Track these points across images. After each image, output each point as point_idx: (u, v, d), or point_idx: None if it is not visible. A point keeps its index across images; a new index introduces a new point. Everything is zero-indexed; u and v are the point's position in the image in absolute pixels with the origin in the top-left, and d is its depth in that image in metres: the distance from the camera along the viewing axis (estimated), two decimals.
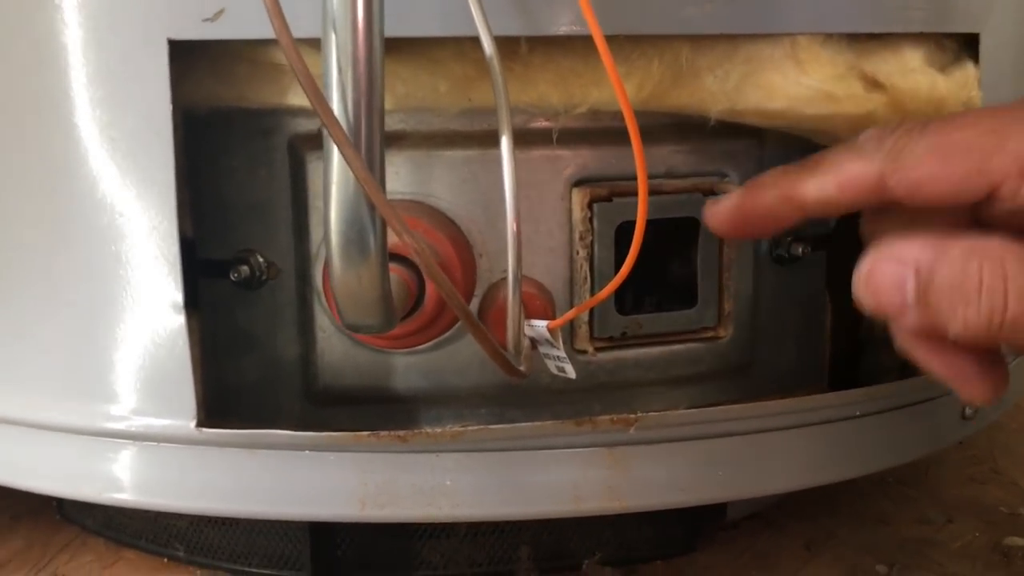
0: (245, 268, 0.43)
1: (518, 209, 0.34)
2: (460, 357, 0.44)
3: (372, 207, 0.32)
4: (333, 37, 0.30)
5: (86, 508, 0.54)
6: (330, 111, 0.29)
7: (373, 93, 0.31)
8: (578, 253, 0.44)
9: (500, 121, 0.34)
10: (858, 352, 0.55)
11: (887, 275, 0.31)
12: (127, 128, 0.38)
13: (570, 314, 0.40)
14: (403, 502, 0.39)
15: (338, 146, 0.29)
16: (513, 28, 0.36)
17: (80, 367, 0.41)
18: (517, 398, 0.45)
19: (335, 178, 0.31)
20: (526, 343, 0.40)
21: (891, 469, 0.61)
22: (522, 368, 0.36)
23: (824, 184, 0.32)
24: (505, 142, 0.33)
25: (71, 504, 0.55)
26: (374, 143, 0.31)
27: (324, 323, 0.44)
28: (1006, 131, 0.30)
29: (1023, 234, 0.30)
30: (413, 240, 0.30)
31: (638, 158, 0.32)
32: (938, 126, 0.31)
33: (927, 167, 0.31)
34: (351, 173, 0.31)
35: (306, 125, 0.42)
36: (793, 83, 0.39)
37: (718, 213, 0.35)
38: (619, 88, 0.31)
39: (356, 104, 0.30)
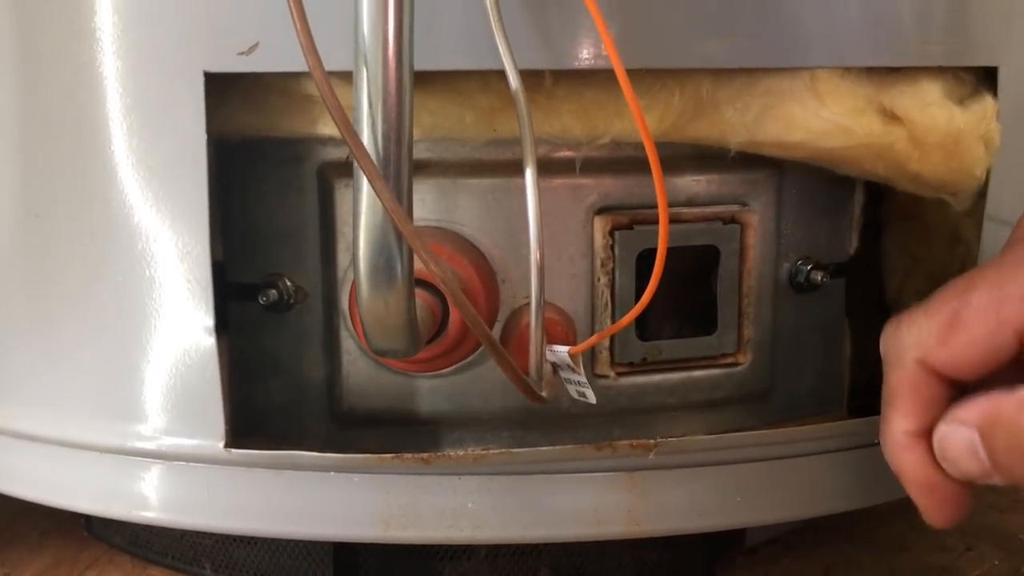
0: (273, 292, 0.44)
1: (542, 238, 0.35)
2: (483, 381, 0.45)
3: (399, 236, 0.33)
4: (364, 71, 0.31)
5: (113, 525, 0.55)
6: (360, 143, 0.30)
7: (402, 126, 0.32)
8: (599, 280, 0.44)
9: (524, 152, 0.34)
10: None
11: (959, 443, 0.32)
12: (163, 157, 0.39)
13: (591, 340, 0.40)
14: (426, 524, 0.40)
15: (367, 177, 0.30)
16: (538, 62, 0.37)
17: (113, 388, 0.42)
18: (539, 422, 0.46)
19: (364, 207, 0.32)
20: (548, 368, 0.41)
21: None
22: (543, 394, 0.37)
23: (908, 414, 0.34)
24: (529, 173, 0.34)
25: (99, 521, 0.56)
26: (402, 174, 0.32)
27: (349, 346, 0.45)
28: (1004, 279, 0.31)
29: None
30: (439, 269, 0.31)
31: (659, 188, 0.33)
32: (944, 299, 0.33)
33: (950, 345, 0.32)
34: (379, 203, 0.32)
35: (335, 153, 0.44)
36: (812, 116, 0.40)
37: (933, 514, 0.35)
38: (640, 121, 0.32)
39: (386, 136, 0.31)
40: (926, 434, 0.34)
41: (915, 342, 0.33)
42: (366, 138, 0.31)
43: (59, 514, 0.59)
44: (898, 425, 0.34)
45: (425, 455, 0.39)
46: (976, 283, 0.32)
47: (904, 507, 0.59)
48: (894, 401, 0.34)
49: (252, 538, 0.50)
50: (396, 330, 0.34)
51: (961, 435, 0.32)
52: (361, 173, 0.31)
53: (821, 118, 0.40)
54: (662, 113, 0.39)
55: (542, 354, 0.36)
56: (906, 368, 0.34)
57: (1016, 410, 0.30)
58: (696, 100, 0.39)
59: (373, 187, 0.30)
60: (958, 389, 0.34)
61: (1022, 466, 0.30)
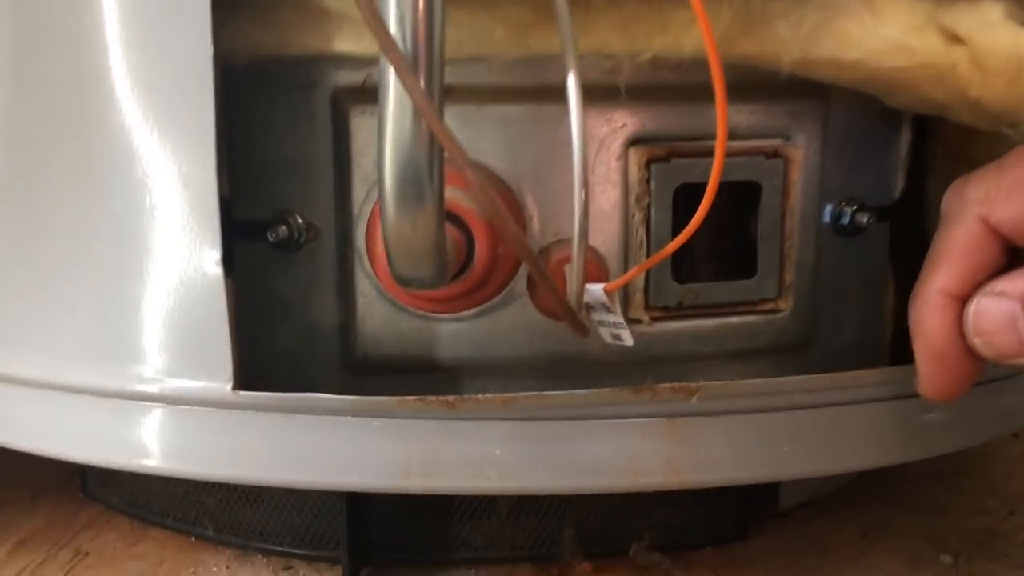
0: (283, 229, 0.41)
1: (586, 160, 0.31)
2: (507, 325, 0.42)
3: (431, 148, 0.29)
4: None
5: (111, 485, 0.52)
6: (389, 34, 0.27)
7: (433, 20, 0.28)
8: (634, 216, 0.41)
9: (567, 62, 0.31)
10: None
11: (996, 315, 0.30)
12: (166, 74, 0.36)
13: (629, 274, 0.37)
14: (449, 472, 0.37)
15: (397, 72, 0.27)
16: None
17: (111, 328, 0.39)
18: (566, 369, 0.43)
19: (391, 112, 0.29)
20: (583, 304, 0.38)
21: (945, 461, 0.59)
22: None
23: (950, 274, 0.32)
24: (572, 82, 0.31)
25: (95, 481, 0.53)
26: (434, 72, 0.29)
27: (365, 288, 0.42)
28: None
29: None
30: (476, 175, 0.28)
31: (720, 110, 0.30)
32: (1019, 155, 0.32)
33: (1020, 200, 0.30)
34: (409, 108, 0.29)
35: (350, 77, 0.40)
36: (870, 33, 0.37)
37: (924, 379, 0.34)
38: (707, 32, 0.28)
39: (415, 30, 0.28)
40: (961, 300, 0.32)
41: (981, 198, 0.32)
42: (395, 29, 0.28)
43: (54, 474, 0.56)
44: (936, 283, 0.33)
45: (450, 398, 0.36)
46: None
47: (942, 472, 0.57)
48: (940, 258, 0.33)
49: (258, 496, 0.47)
50: (423, 255, 0.31)
51: (1002, 306, 0.31)
52: (389, 71, 0.28)
53: (879, 35, 0.37)
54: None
55: (583, 281, 0.33)
56: (965, 224, 0.32)
57: None
58: (746, 13, 0.36)
59: (403, 83, 0.27)
60: (1010, 261, 0.32)
61: None
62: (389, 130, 0.29)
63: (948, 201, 0.34)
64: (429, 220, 0.31)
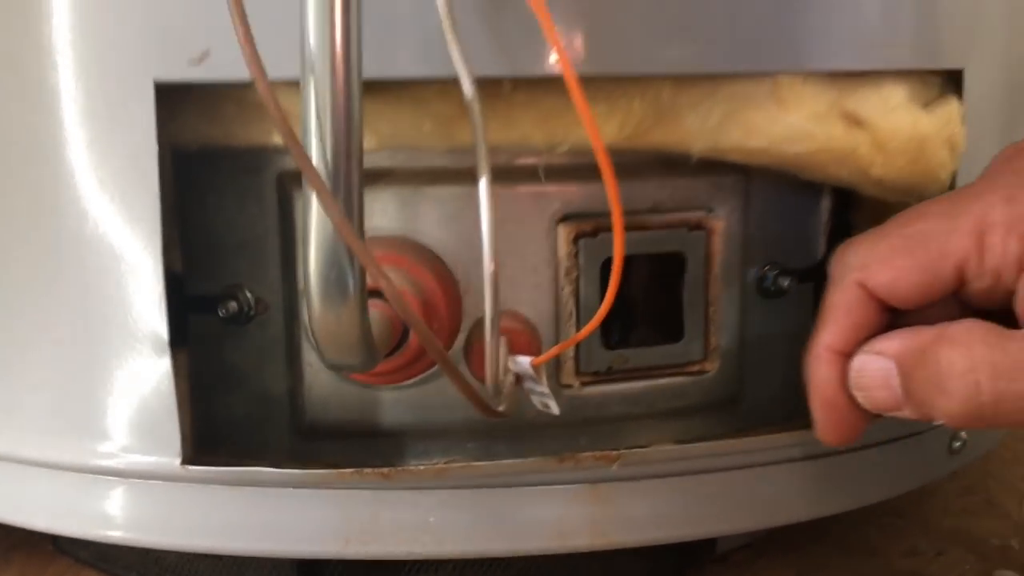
0: (233, 304, 0.44)
1: (495, 250, 0.34)
2: (447, 392, 0.44)
3: (350, 251, 0.32)
4: (311, 81, 0.31)
5: (79, 541, 0.54)
6: (306, 156, 0.30)
7: (351, 137, 0.31)
8: (563, 289, 0.44)
9: (478, 160, 0.34)
10: None
11: (875, 373, 0.33)
12: (114, 169, 0.39)
13: (553, 351, 0.40)
14: (386, 539, 0.39)
15: (315, 191, 0.30)
16: (495, 69, 0.37)
17: (69, 404, 0.41)
18: (504, 433, 0.45)
19: (314, 222, 0.32)
20: (510, 379, 0.41)
21: (883, 501, 0.61)
22: (501, 408, 0.36)
23: (834, 332, 0.35)
24: (483, 184, 0.34)
25: (65, 536, 0.55)
26: (352, 187, 0.31)
27: (312, 358, 0.44)
28: (957, 211, 0.31)
29: (1008, 313, 0.31)
30: (388, 285, 0.30)
31: (612, 197, 0.32)
32: (896, 224, 0.34)
33: (891, 267, 0.33)
34: (330, 222, 0.31)
35: (293, 162, 0.43)
36: (775, 121, 0.39)
37: (818, 426, 0.37)
38: (590, 127, 0.31)
39: (335, 149, 0.31)
40: (845, 355, 0.35)
41: (858, 263, 0.35)
42: (314, 151, 0.30)
43: (25, 529, 0.58)
44: (823, 339, 0.36)
45: (385, 470, 0.38)
46: (928, 212, 0.34)
47: (874, 513, 0.60)
48: (826, 317, 0.36)
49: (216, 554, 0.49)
50: (350, 345, 0.34)
51: (878, 365, 0.33)
52: (310, 187, 0.31)
53: (783, 123, 0.39)
54: (622, 120, 0.38)
55: (499, 367, 0.36)
56: (845, 287, 0.35)
57: (934, 343, 0.31)
58: (657, 107, 0.38)
59: (321, 201, 0.30)
60: (889, 320, 0.35)
61: (933, 400, 0.31)
62: (312, 236, 0.32)
63: (832, 264, 0.37)
64: (353, 314, 0.33)
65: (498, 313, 0.34)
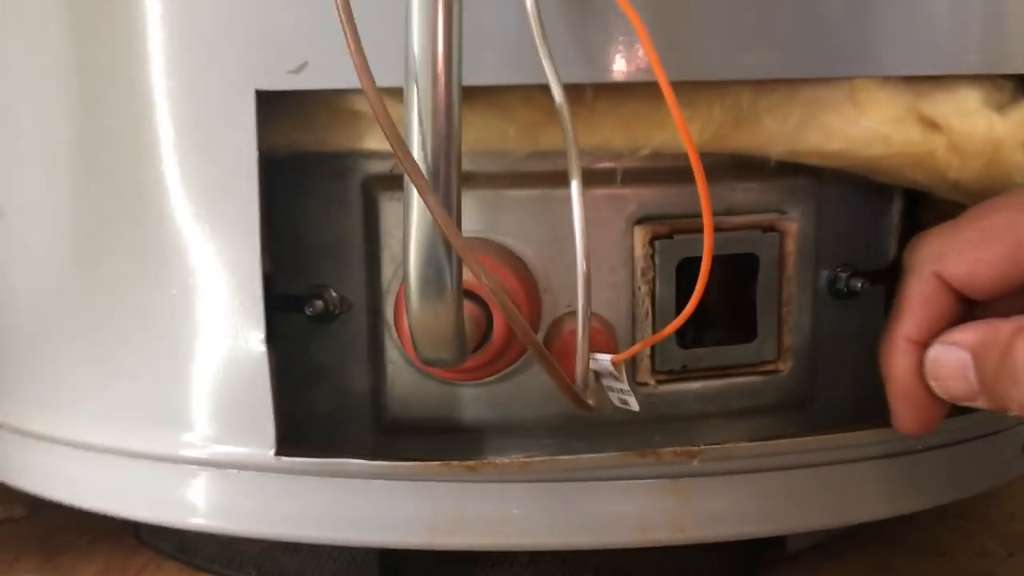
0: (319, 303, 0.45)
1: (587, 248, 0.35)
2: (526, 389, 0.45)
3: (449, 248, 0.33)
4: (415, 89, 0.32)
5: (162, 532, 0.56)
6: (412, 158, 0.31)
7: (451, 141, 0.32)
8: (640, 289, 0.45)
9: (569, 165, 0.35)
10: None
11: (951, 363, 0.34)
12: (216, 174, 0.40)
13: (634, 349, 0.41)
14: (471, 530, 0.41)
15: (418, 191, 0.31)
16: (580, 76, 0.38)
17: (166, 398, 0.43)
18: (581, 430, 0.46)
19: (414, 221, 0.33)
20: (591, 376, 0.42)
21: (952, 504, 0.61)
22: (590, 402, 0.37)
23: (911, 322, 0.36)
24: (575, 185, 0.35)
25: (147, 528, 0.57)
26: (451, 188, 0.32)
27: (394, 355, 0.46)
28: None
29: None
30: (488, 280, 0.31)
31: (703, 200, 0.33)
32: (972, 216, 0.34)
33: (968, 258, 0.33)
34: (429, 217, 0.32)
35: (379, 166, 0.44)
36: (852, 125, 0.40)
37: (895, 415, 0.38)
38: (684, 133, 0.32)
39: (435, 152, 0.32)
40: (922, 345, 0.36)
41: (935, 254, 0.36)
42: (416, 154, 0.32)
43: (109, 522, 0.60)
44: (900, 330, 0.36)
45: (471, 463, 0.40)
46: (1005, 205, 0.35)
47: (942, 515, 0.60)
48: (902, 308, 0.37)
49: (297, 545, 0.51)
50: (445, 340, 0.35)
51: (954, 356, 0.34)
52: (411, 188, 0.32)
53: (860, 127, 0.40)
54: (702, 125, 0.39)
55: (588, 362, 0.37)
56: (922, 278, 0.36)
57: (1011, 335, 0.32)
58: (736, 111, 0.39)
59: (424, 201, 0.31)
60: (965, 311, 0.36)
61: (1007, 391, 0.32)
62: (413, 235, 0.33)
63: (908, 256, 0.38)
64: (450, 310, 0.34)
65: (589, 309, 0.35)
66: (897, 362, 0.37)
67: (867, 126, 0.40)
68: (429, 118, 0.32)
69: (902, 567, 0.53)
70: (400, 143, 0.30)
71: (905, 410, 0.37)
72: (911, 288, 0.37)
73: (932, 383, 0.36)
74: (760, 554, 0.53)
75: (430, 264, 0.33)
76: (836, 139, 0.40)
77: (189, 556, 0.55)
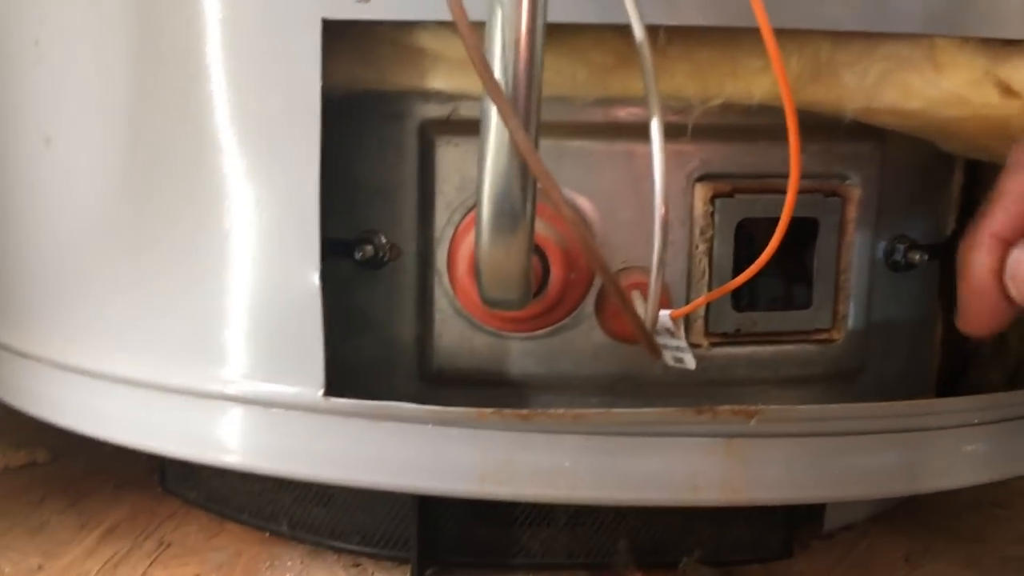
0: (369, 248, 0.45)
1: (666, 194, 0.34)
2: (576, 345, 0.45)
3: (525, 182, 0.32)
4: (499, 13, 0.31)
5: (189, 480, 0.56)
6: (494, 79, 0.30)
7: (534, 65, 0.32)
8: (697, 248, 0.44)
9: (649, 101, 0.34)
10: (965, 367, 0.54)
11: None
12: (278, 105, 0.40)
13: (696, 303, 0.40)
14: (521, 481, 0.40)
15: (500, 113, 0.30)
16: (657, 17, 0.37)
17: (214, 335, 0.42)
18: (627, 389, 0.45)
19: (491, 151, 0.32)
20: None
21: (983, 491, 0.61)
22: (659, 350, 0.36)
23: (1003, 219, 0.35)
24: (655, 123, 0.34)
25: (174, 477, 0.57)
26: (532, 112, 0.32)
27: (443, 305, 0.45)
28: None
29: None
30: (568, 210, 0.30)
31: (793, 152, 0.32)
32: None
33: None
34: (508, 146, 0.32)
35: (438, 111, 0.44)
36: (930, 85, 0.39)
37: (963, 313, 0.37)
38: (782, 79, 0.31)
39: (518, 76, 0.31)
40: (1007, 244, 0.35)
41: None
42: (499, 74, 0.31)
43: (134, 469, 0.60)
44: (988, 225, 0.35)
45: (524, 412, 0.39)
46: None
47: (980, 502, 0.59)
48: (996, 203, 0.36)
49: (330, 497, 0.50)
50: (513, 279, 0.34)
51: None
52: (491, 115, 0.31)
53: (939, 87, 0.39)
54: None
55: (657, 310, 0.36)
56: (1020, 175, 0.35)
57: None
58: (815, 63, 0.38)
59: (507, 126, 0.30)
60: None
61: None
62: (488, 165, 0.32)
63: (1014, 151, 0.36)
64: (521, 247, 0.33)
65: (665, 255, 0.34)
66: (977, 258, 0.36)
67: (945, 87, 0.39)
68: (512, 43, 0.31)
69: (941, 550, 0.52)
70: (483, 61, 0.29)
71: (974, 309, 0.36)
72: (1008, 184, 0.36)
73: (1010, 283, 0.35)
74: (797, 530, 0.52)
75: (505, 196, 0.33)
76: (914, 98, 0.39)
77: (218, 505, 0.54)
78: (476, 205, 0.33)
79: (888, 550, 0.52)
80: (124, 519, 0.53)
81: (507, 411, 0.39)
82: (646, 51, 0.34)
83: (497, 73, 0.31)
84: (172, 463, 0.56)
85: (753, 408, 0.39)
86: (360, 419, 0.41)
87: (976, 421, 0.43)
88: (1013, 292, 0.35)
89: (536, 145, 0.32)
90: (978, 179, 0.49)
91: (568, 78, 0.39)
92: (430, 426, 0.40)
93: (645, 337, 0.35)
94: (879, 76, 0.39)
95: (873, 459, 0.42)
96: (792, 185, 0.33)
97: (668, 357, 0.42)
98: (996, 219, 0.35)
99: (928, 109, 0.39)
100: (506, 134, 0.31)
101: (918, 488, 0.44)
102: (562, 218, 0.31)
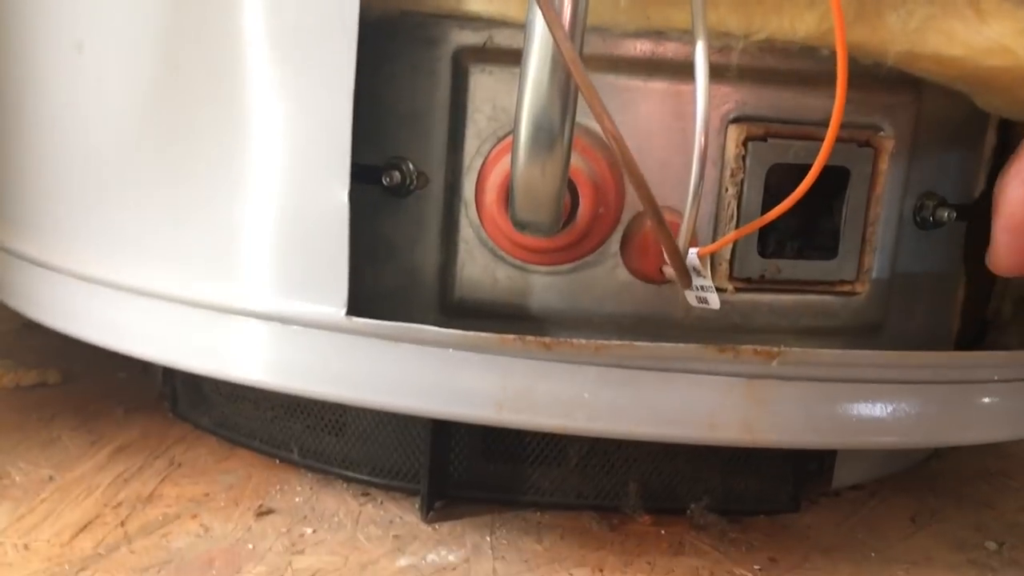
0: (397, 175, 0.44)
1: (707, 124, 0.34)
2: (598, 283, 0.44)
3: (566, 99, 0.32)
4: None
5: (200, 406, 0.56)
6: None
7: None
8: (727, 190, 0.44)
9: (696, 30, 0.34)
10: (982, 332, 0.54)
11: None
12: (311, 19, 0.39)
13: (724, 240, 0.40)
14: (540, 409, 0.40)
15: (547, 22, 0.30)
16: None
17: (238, 248, 0.42)
18: (649, 329, 0.45)
19: (534, 64, 0.32)
20: (669, 271, 0.41)
21: (992, 461, 0.61)
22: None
23: None
24: (700, 48, 0.33)
25: (185, 402, 0.57)
26: (577, 26, 0.31)
27: (468, 235, 0.45)
28: None
29: None
30: (612, 125, 0.30)
31: (840, 93, 0.32)
32: None
33: None
34: (551, 59, 0.31)
35: (473, 37, 0.43)
36: (974, 33, 0.39)
37: (997, 250, 0.37)
38: (837, 14, 0.31)
39: None
40: None
41: None
42: None
43: (145, 394, 0.60)
44: None
45: (547, 340, 0.39)
46: None
47: (989, 471, 0.59)
48: None
49: (342, 426, 0.50)
50: (546, 200, 0.34)
51: None
52: (536, 24, 0.31)
53: (982, 35, 0.39)
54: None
55: (689, 240, 0.36)
56: None
57: None
58: (859, 2, 0.38)
59: (553, 35, 0.30)
60: None
61: None
62: (530, 79, 0.32)
63: None
64: (557, 167, 0.33)
65: (700, 188, 0.34)
66: (1015, 192, 0.35)
67: (989, 35, 0.39)
68: None
69: (948, 514, 0.52)
70: None
71: (1008, 245, 0.36)
72: None
73: None
74: (806, 485, 0.52)
75: (544, 114, 0.32)
76: (957, 45, 0.39)
77: (228, 431, 0.54)
78: (515, 123, 0.33)
79: (895, 510, 0.52)
80: (135, 440, 0.53)
81: (530, 338, 0.39)
82: None
83: None
84: (183, 388, 0.56)
85: (776, 349, 0.39)
86: (381, 340, 0.40)
87: (996, 378, 0.43)
88: None
89: (580, 57, 0.32)
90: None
91: (610, 5, 0.39)
92: (450, 351, 0.40)
93: (677, 262, 0.34)
94: (923, 20, 0.38)
95: (891, 409, 0.42)
96: (835, 119, 0.32)
97: (692, 297, 0.42)
98: None
99: (971, 57, 0.39)
100: (550, 46, 0.31)
101: (935, 440, 0.44)
102: (604, 134, 0.31)
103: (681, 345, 0.39)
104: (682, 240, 0.36)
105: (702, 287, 0.41)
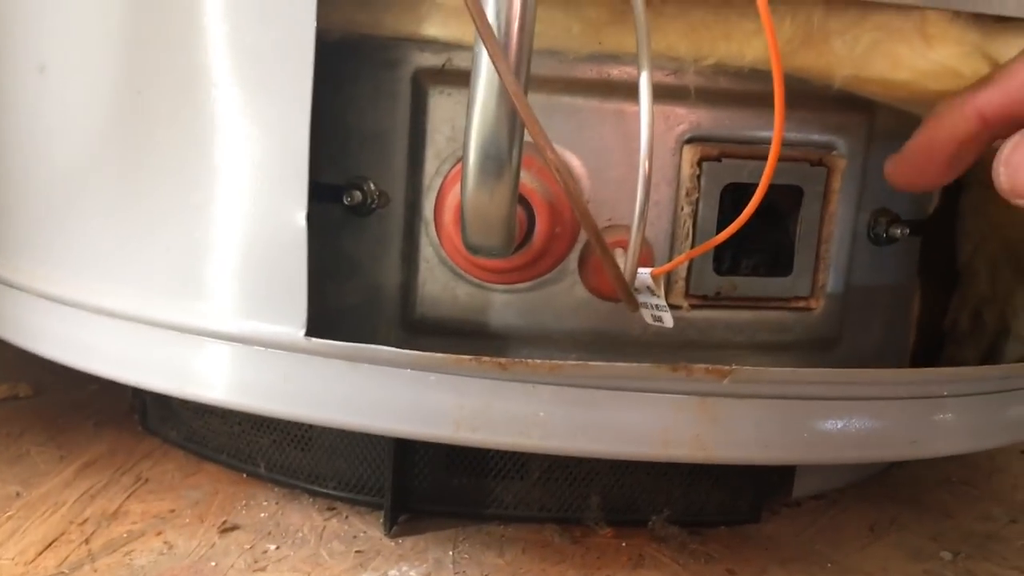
0: (358, 194, 0.45)
1: (652, 151, 0.35)
2: (556, 300, 0.45)
3: (513, 127, 0.33)
4: None
5: (169, 420, 0.56)
6: (487, 23, 0.31)
7: (527, 13, 0.32)
8: (682, 209, 0.44)
9: (641, 58, 0.34)
10: (940, 344, 0.55)
11: None
12: (269, 42, 0.40)
13: (677, 261, 0.40)
14: (496, 428, 0.40)
15: (490, 55, 0.30)
16: None
17: (198, 269, 0.42)
18: (606, 346, 0.46)
19: (480, 94, 0.33)
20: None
21: (953, 470, 0.62)
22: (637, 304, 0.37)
23: (995, 96, 0.35)
24: (644, 77, 0.34)
25: (154, 416, 0.57)
26: (523, 57, 0.32)
27: (428, 254, 0.45)
28: None
29: None
30: (555, 156, 0.31)
31: (778, 116, 0.33)
32: None
33: None
34: (496, 89, 0.32)
35: (432, 59, 0.44)
36: (920, 56, 0.39)
37: (901, 160, 0.38)
38: (772, 43, 0.32)
39: (509, 22, 0.31)
40: (986, 124, 0.35)
41: None
42: (492, 18, 0.31)
43: (114, 408, 0.60)
44: (978, 98, 0.36)
45: (502, 360, 0.39)
46: None
47: (950, 480, 0.60)
48: (995, 79, 0.36)
49: (308, 441, 0.51)
50: (497, 224, 0.35)
51: None
52: (482, 57, 0.31)
53: (928, 59, 0.39)
54: None
55: (636, 262, 0.37)
56: None
57: None
58: (807, 29, 0.39)
59: (496, 68, 0.30)
60: None
61: None
62: (477, 108, 0.33)
63: None
64: (505, 193, 0.34)
65: (647, 209, 0.35)
66: (949, 121, 0.36)
67: (935, 59, 0.39)
68: None
69: (908, 523, 0.53)
70: (476, 4, 0.30)
71: (915, 163, 0.37)
72: (1015, 64, 0.35)
73: (1001, 169, 0.34)
74: (766, 495, 0.53)
75: (492, 140, 0.33)
76: (903, 69, 0.40)
77: (196, 445, 0.55)
78: (463, 150, 0.33)
79: (854, 519, 0.53)
80: (103, 455, 0.54)
81: (485, 359, 0.39)
82: (640, 6, 0.35)
83: (490, 16, 0.32)
84: (152, 402, 0.57)
85: (727, 368, 0.40)
86: (340, 361, 0.41)
87: (947, 393, 0.44)
88: (1003, 179, 0.34)
89: (525, 91, 0.32)
90: None
91: (562, 31, 0.40)
92: (409, 371, 0.40)
93: (623, 288, 0.35)
94: (869, 45, 0.39)
95: (843, 425, 0.43)
96: (776, 139, 0.33)
97: (647, 315, 0.42)
98: (990, 94, 0.35)
99: (916, 81, 0.40)
100: (496, 77, 0.31)
101: (888, 456, 0.45)
102: (547, 164, 0.31)
103: (634, 365, 0.40)
104: (629, 264, 0.36)
105: (656, 306, 0.41)
